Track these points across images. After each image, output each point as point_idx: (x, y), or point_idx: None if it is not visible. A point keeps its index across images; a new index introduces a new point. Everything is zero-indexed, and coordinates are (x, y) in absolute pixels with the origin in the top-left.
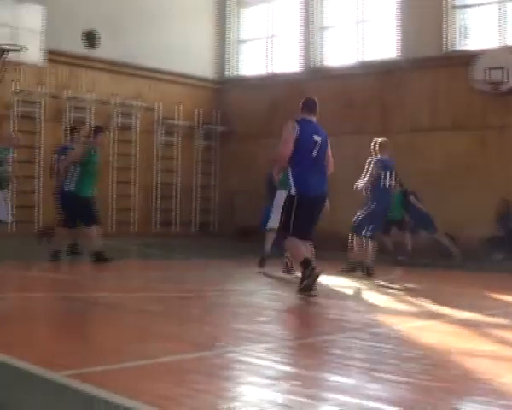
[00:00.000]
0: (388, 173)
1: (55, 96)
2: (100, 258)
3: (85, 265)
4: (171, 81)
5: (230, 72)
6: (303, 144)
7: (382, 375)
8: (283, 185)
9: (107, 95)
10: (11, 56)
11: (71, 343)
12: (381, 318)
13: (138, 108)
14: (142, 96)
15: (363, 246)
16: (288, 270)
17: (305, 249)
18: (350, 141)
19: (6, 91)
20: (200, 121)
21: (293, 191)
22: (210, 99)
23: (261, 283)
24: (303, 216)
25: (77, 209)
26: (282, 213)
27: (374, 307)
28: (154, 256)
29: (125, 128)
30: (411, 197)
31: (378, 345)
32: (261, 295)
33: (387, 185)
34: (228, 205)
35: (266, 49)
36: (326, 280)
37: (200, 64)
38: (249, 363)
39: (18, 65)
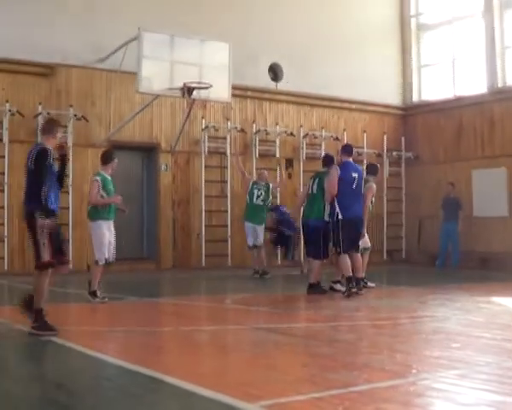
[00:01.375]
0: None
1: (242, 131)
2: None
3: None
4: (355, 109)
5: (415, 97)
6: (345, 181)
7: None
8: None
9: (293, 127)
10: (199, 94)
11: (264, 374)
12: None
13: (324, 138)
14: (327, 126)
15: None
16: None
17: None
18: None
19: (195, 128)
20: (386, 148)
21: (339, 216)
22: (395, 125)
23: (453, 308)
24: (348, 235)
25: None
26: (333, 236)
27: None
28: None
29: (312, 158)
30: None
31: None
32: (454, 321)
33: None
34: (415, 231)
35: (452, 72)
36: None
37: (385, 91)
38: (443, 390)
39: (205, 102)
